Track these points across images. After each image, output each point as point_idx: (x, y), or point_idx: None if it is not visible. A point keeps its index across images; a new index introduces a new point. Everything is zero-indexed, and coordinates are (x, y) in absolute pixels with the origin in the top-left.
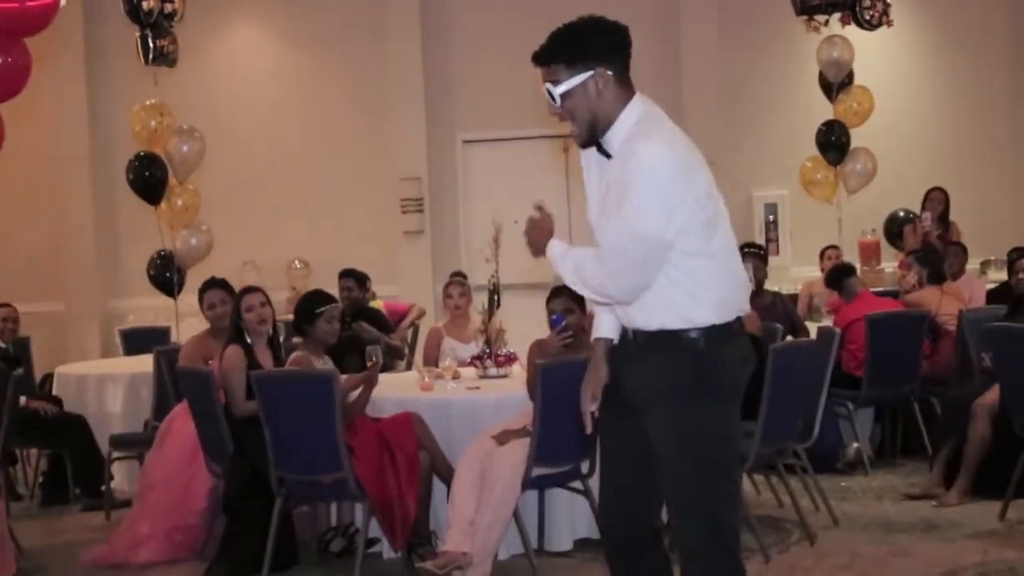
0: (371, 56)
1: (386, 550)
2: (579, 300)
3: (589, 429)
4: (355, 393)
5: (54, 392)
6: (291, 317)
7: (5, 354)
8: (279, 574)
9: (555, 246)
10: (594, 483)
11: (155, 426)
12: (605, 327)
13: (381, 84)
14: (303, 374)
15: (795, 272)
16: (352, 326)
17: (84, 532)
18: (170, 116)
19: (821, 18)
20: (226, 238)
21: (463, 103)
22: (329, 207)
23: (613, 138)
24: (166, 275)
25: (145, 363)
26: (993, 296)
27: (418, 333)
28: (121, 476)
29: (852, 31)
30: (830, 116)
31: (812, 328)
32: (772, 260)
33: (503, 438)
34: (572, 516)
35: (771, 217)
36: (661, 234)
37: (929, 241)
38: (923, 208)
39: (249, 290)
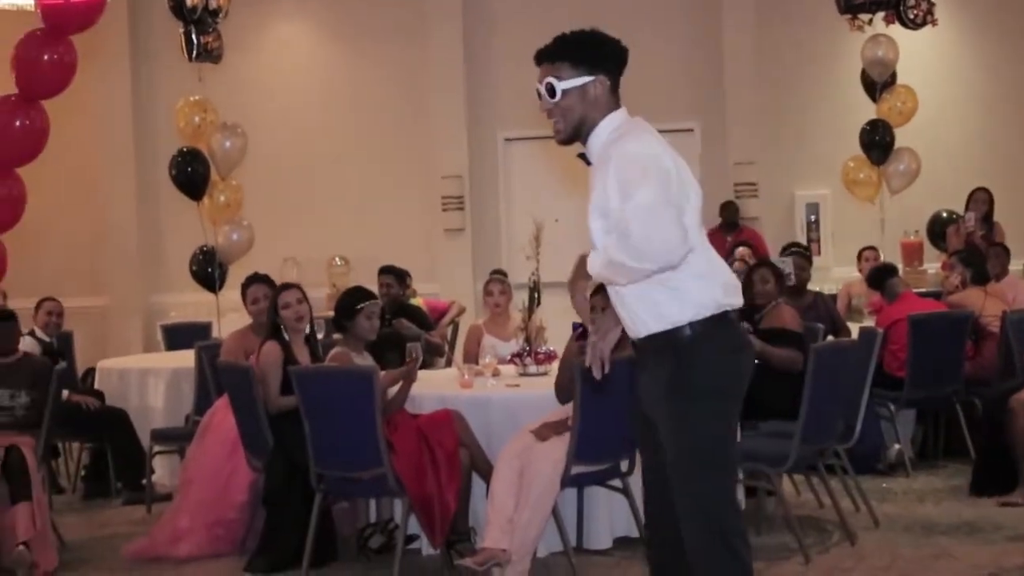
0: (413, 53)
1: (425, 547)
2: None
3: (598, 375)
4: (394, 389)
5: (96, 386)
6: (331, 314)
7: (48, 348)
8: (318, 569)
9: (592, 260)
10: (634, 481)
11: (196, 420)
12: None
13: (422, 81)
14: (343, 370)
15: (837, 272)
16: (392, 323)
17: (125, 525)
18: (213, 112)
19: (865, 17)
20: (267, 234)
21: (504, 101)
22: (370, 204)
23: (594, 143)
24: (208, 271)
25: (187, 358)
26: None
27: (458, 330)
28: (162, 470)
29: (896, 30)
30: (873, 115)
31: (853, 328)
32: (814, 260)
33: (542, 433)
34: (611, 514)
35: (813, 217)
36: (666, 198)
37: (973, 242)
38: (967, 209)
39: (286, 287)
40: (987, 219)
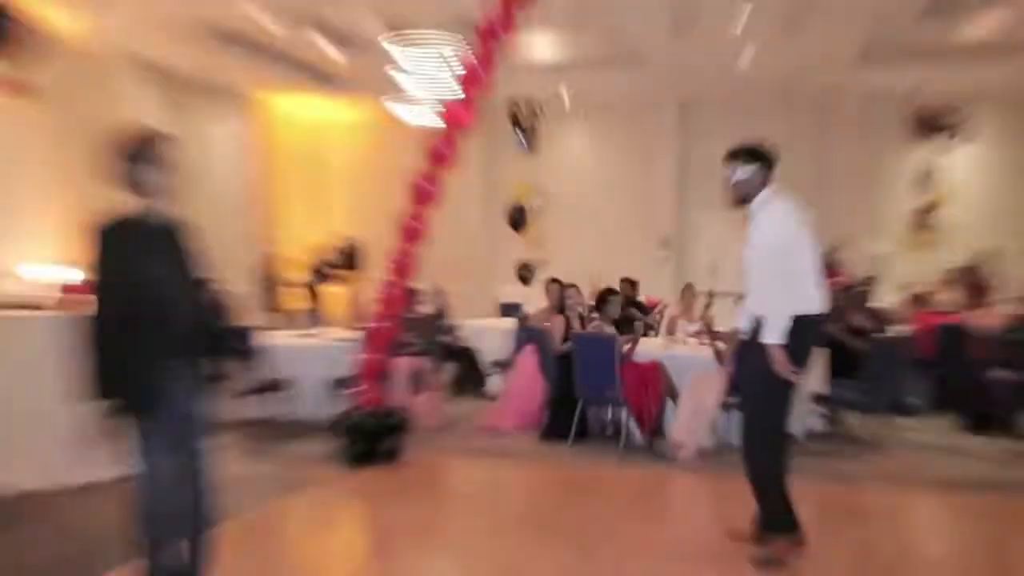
0: (646, 154)
1: (636, 436)
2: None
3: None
4: (626, 347)
5: (461, 333)
6: (592, 303)
7: (438, 311)
8: (577, 441)
9: (771, 332)
10: None
11: (513, 357)
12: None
13: (649, 169)
14: (598, 335)
15: None
16: (627, 309)
17: (473, 410)
18: (531, 185)
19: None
20: (558, 254)
21: (697, 185)
22: (616, 239)
23: (755, 207)
24: (524, 273)
25: (509, 322)
26: None
27: (663, 316)
28: (494, 382)
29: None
30: None
31: None
32: None
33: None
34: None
35: None
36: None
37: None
38: None
39: (569, 286)
40: None
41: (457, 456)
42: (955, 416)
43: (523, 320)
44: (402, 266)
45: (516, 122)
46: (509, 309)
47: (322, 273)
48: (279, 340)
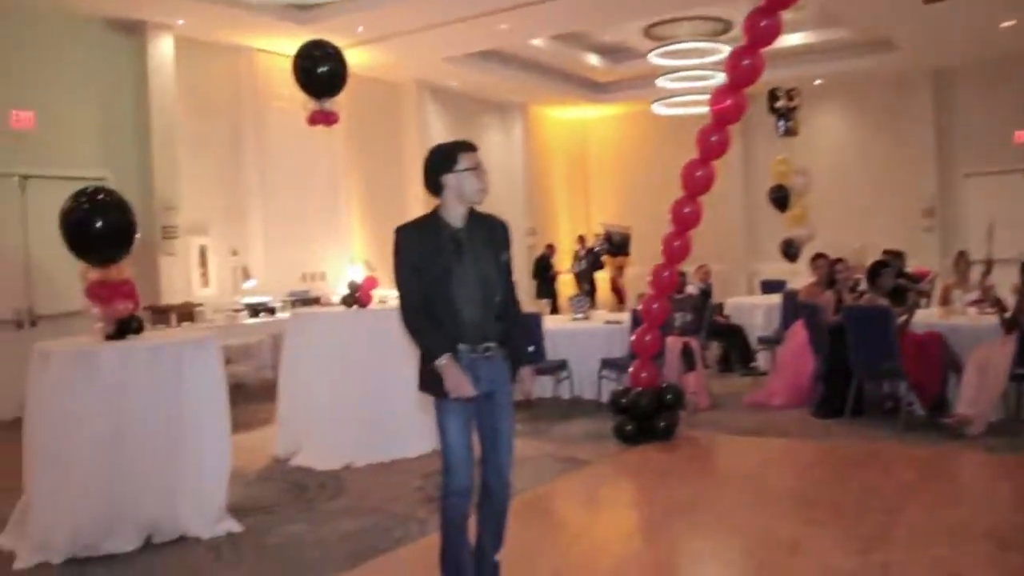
0: (903, 125)
1: (917, 409)
2: None
3: None
4: (902, 319)
5: (724, 312)
6: (860, 276)
7: (703, 291)
8: (853, 418)
9: None
10: None
11: (781, 333)
12: None
13: (909, 144)
14: (871, 307)
15: None
16: (899, 281)
17: (742, 387)
18: (791, 164)
19: None
20: (825, 232)
21: (960, 152)
22: (877, 212)
23: None
24: (788, 251)
25: (772, 299)
26: None
27: (934, 285)
28: (761, 359)
29: None
30: None
31: None
32: None
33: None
34: None
35: None
36: None
37: None
38: None
39: (837, 260)
40: None
41: (728, 433)
42: None
43: (791, 296)
44: (673, 251)
45: (775, 108)
46: (771, 286)
47: (591, 260)
48: (553, 324)
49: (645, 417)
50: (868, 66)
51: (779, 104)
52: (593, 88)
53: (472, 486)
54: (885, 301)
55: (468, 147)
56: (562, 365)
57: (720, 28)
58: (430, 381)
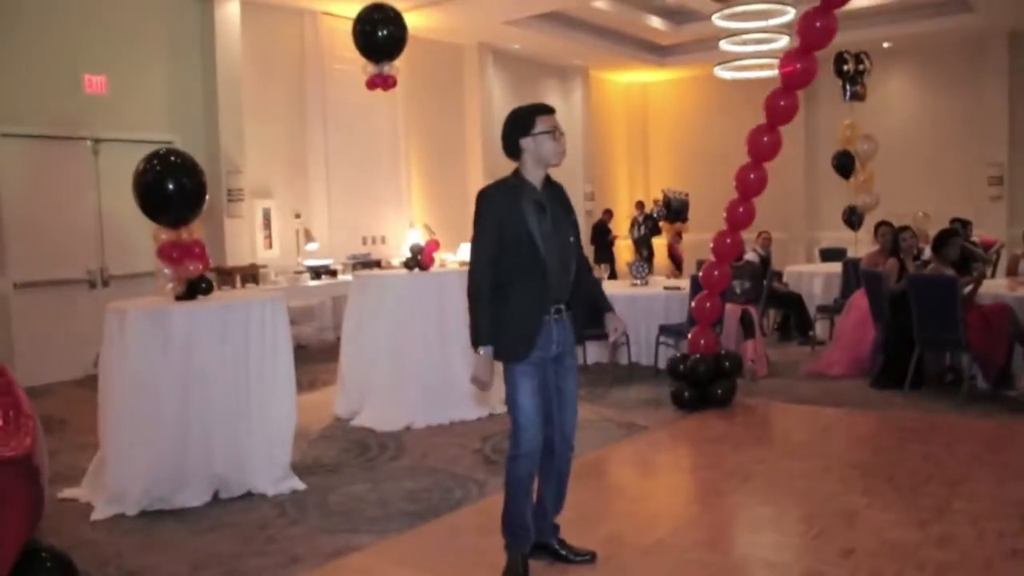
0: (973, 90)
1: (980, 383)
2: None
3: None
4: (968, 288)
5: (784, 280)
6: (923, 246)
7: (763, 258)
8: (913, 389)
9: None
10: None
11: (841, 302)
12: None
13: (979, 110)
14: (938, 277)
15: None
16: (963, 248)
17: (800, 356)
18: (858, 129)
19: None
20: (888, 199)
21: None
22: (941, 180)
23: None
24: (851, 218)
25: (832, 267)
26: None
27: (999, 256)
28: (820, 328)
29: None
30: None
31: None
32: None
33: None
34: None
35: None
36: None
37: None
38: None
39: (902, 228)
40: None
41: (786, 402)
42: None
43: (853, 264)
44: (737, 217)
45: (842, 72)
46: (831, 255)
47: (649, 226)
48: (611, 290)
49: (703, 384)
50: (940, 28)
51: (846, 68)
52: (655, 51)
53: (540, 447)
54: (951, 271)
55: (545, 110)
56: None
57: None
58: (500, 345)
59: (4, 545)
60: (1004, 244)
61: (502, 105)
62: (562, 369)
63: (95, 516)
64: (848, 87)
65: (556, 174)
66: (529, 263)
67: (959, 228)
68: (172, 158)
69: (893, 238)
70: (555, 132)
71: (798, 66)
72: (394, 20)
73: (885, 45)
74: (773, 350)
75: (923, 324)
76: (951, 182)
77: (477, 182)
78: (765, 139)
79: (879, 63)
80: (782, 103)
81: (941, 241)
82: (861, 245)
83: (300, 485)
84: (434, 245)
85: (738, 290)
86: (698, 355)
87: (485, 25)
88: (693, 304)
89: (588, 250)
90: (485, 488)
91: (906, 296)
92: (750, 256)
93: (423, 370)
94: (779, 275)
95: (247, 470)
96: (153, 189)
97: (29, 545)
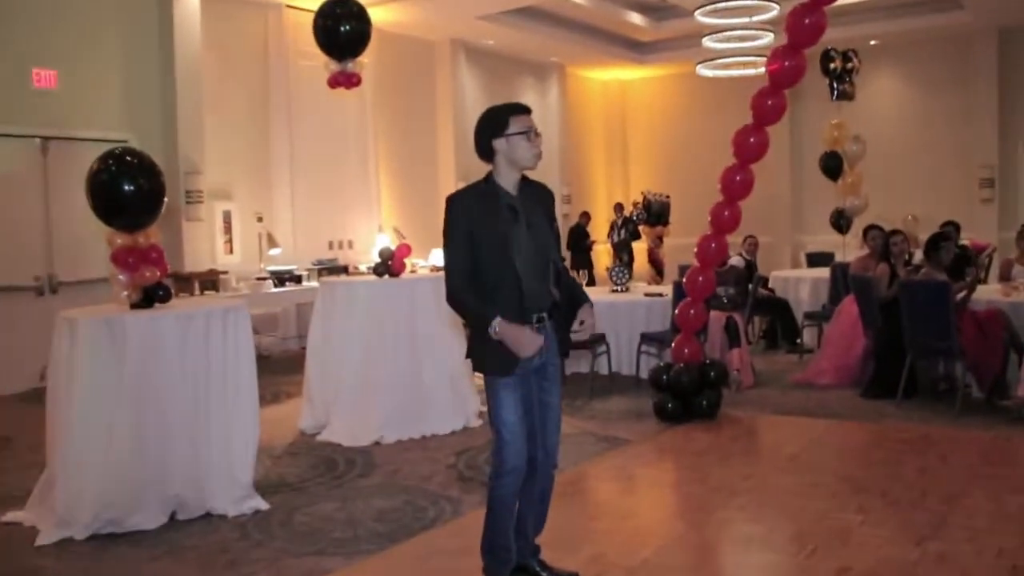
0: (962, 89)
1: (974, 392)
2: None
3: None
4: (961, 295)
5: (769, 285)
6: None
7: (748, 263)
8: (905, 398)
9: None
10: None
11: (830, 308)
12: None
13: (969, 109)
14: (928, 282)
15: None
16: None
17: (787, 365)
18: (846, 129)
19: None
20: (876, 202)
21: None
22: (930, 183)
23: None
24: (839, 222)
25: (819, 272)
26: None
27: (991, 261)
28: (808, 335)
29: None
30: None
31: None
32: None
33: None
34: None
35: None
36: None
37: None
38: None
39: (894, 232)
40: None
41: (773, 413)
42: None
43: (841, 269)
44: (723, 221)
45: (829, 70)
46: (819, 259)
47: (630, 229)
48: (591, 297)
49: (687, 395)
50: (929, 25)
51: (833, 65)
52: (634, 48)
53: (525, 463)
54: (944, 276)
55: (520, 110)
56: (600, 339)
57: None
58: (485, 356)
59: None
60: (996, 248)
61: (475, 104)
62: (545, 382)
63: (41, 541)
64: (835, 86)
65: (534, 175)
66: (502, 271)
67: (951, 231)
68: (128, 158)
69: (884, 242)
70: (530, 133)
71: (786, 63)
72: (357, 15)
73: (872, 43)
74: (759, 359)
75: (915, 331)
76: (941, 184)
77: (449, 184)
78: (751, 139)
79: (866, 61)
80: (769, 102)
81: (934, 245)
82: (849, 249)
83: (263, 505)
84: (405, 250)
85: (723, 296)
86: (682, 364)
87: (457, 20)
88: (676, 311)
89: (565, 255)
90: (460, 506)
91: (897, 302)
92: (735, 261)
93: (393, 382)
94: (765, 280)
95: (206, 489)
96: (108, 190)
97: None
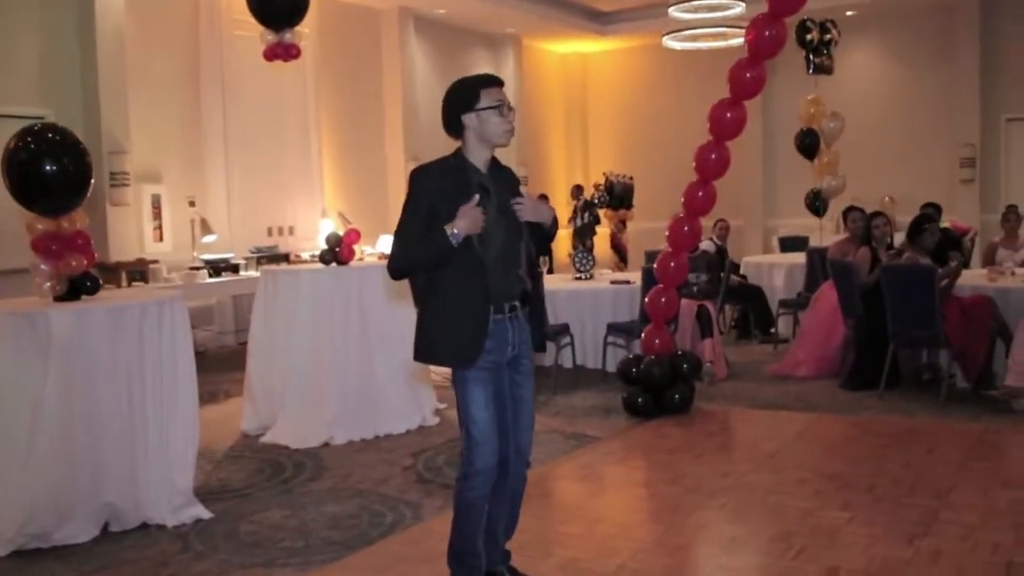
0: (943, 61)
1: (959, 382)
2: None
3: None
4: (945, 281)
5: (741, 272)
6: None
7: (719, 249)
8: (888, 389)
9: None
10: None
11: (806, 296)
12: None
13: (950, 82)
14: (914, 267)
15: None
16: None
17: (762, 355)
18: (823, 105)
19: None
20: (853, 182)
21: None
22: (909, 162)
23: None
24: (815, 204)
25: (795, 257)
26: None
27: (975, 244)
28: (783, 324)
29: None
30: None
31: None
32: None
33: None
34: None
35: None
36: None
37: None
38: None
39: (875, 214)
40: None
41: (749, 407)
42: None
43: (818, 254)
44: (697, 202)
45: (805, 42)
46: (793, 243)
47: (590, 213)
48: (552, 285)
49: (659, 388)
50: None
51: (810, 37)
52: (596, 18)
53: (496, 464)
54: (927, 260)
55: (492, 81)
56: (564, 330)
57: None
58: (444, 348)
59: None
60: (978, 231)
61: (425, 79)
62: (518, 375)
63: None
64: (812, 59)
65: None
66: (467, 254)
67: (934, 213)
68: (50, 135)
69: (865, 225)
70: (502, 107)
71: (766, 33)
72: None
73: (849, 13)
74: (731, 350)
75: (898, 319)
76: (920, 163)
77: (398, 164)
78: (728, 115)
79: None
80: (748, 75)
81: (917, 228)
82: (825, 233)
83: (205, 513)
84: (355, 236)
85: (694, 284)
86: (653, 356)
87: None
88: (647, 299)
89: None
90: (420, 511)
91: (879, 288)
92: (705, 245)
93: (343, 378)
94: (736, 267)
95: (142, 498)
96: (27, 171)
97: None
